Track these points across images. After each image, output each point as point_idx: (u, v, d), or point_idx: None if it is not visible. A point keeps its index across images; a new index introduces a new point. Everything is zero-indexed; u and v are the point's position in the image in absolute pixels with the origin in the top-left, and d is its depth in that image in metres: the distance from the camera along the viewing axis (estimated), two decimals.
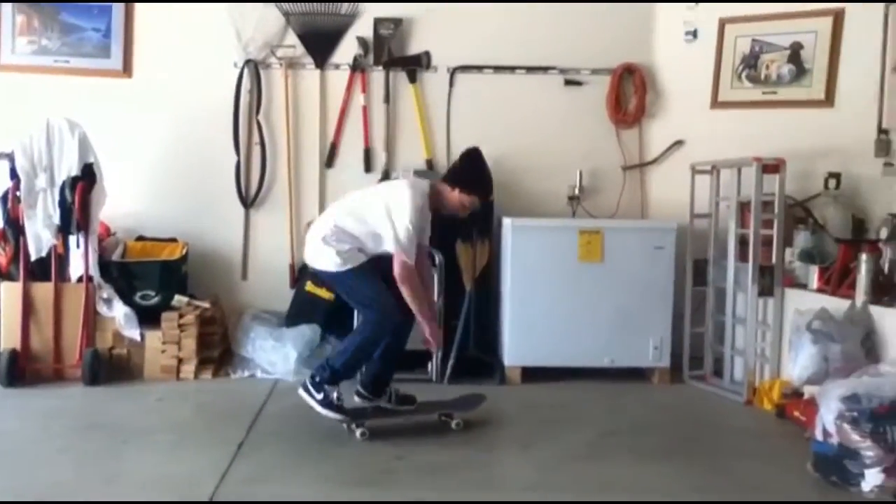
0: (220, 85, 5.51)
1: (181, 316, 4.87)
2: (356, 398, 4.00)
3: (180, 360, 4.85)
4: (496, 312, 5.22)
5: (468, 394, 4.25)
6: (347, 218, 3.83)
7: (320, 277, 4.04)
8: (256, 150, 5.57)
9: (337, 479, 3.31)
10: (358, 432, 3.80)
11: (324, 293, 5.08)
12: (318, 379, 3.82)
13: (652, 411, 4.49)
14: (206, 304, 5.10)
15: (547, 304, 4.95)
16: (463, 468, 3.48)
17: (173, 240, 5.27)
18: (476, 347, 5.04)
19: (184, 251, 5.19)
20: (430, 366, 4.91)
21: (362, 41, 5.57)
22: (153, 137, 5.52)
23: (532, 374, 4.92)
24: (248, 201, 5.58)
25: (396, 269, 3.69)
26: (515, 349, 4.97)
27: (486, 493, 3.22)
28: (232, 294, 5.54)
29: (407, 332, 3.93)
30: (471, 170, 3.92)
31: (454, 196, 3.85)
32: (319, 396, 3.79)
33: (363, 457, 3.58)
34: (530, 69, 5.65)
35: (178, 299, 5.00)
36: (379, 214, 3.75)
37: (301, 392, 3.86)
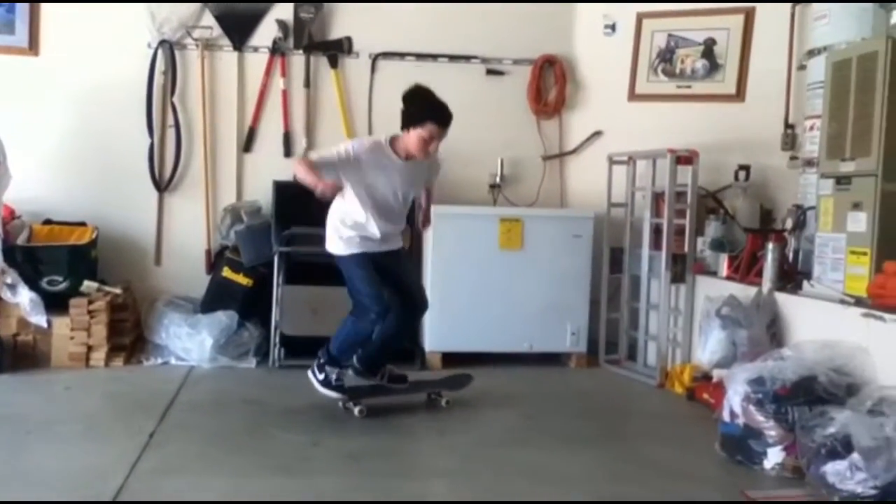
0: (133, 65, 5.33)
1: (91, 302, 4.72)
2: (351, 372, 4.06)
3: (90, 348, 4.70)
4: None
5: (457, 373, 4.37)
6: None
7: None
8: (171, 132, 5.41)
9: (252, 467, 3.25)
10: (356, 410, 3.91)
11: (241, 279, 5.00)
12: (322, 360, 3.95)
13: (569, 395, 4.58)
14: (118, 290, 4.95)
15: (468, 291, 4.98)
16: (380, 454, 3.47)
17: (82, 224, 5.10)
18: None
19: (93, 235, 5.03)
20: None
21: (282, 24, 5.48)
22: (61, 118, 5.31)
23: (452, 360, 4.94)
24: (162, 185, 5.43)
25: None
26: (436, 335, 4.99)
27: (403, 479, 3.21)
28: (145, 280, 5.39)
29: (406, 324, 4.08)
30: (411, 105, 3.79)
31: (410, 137, 3.75)
32: (321, 377, 3.94)
33: (279, 444, 3.52)
34: (453, 58, 5.66)
35: (88, 285, 4.84)
36: None
37: (309, 373, 3.98)
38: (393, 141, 3.85)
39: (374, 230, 3.83)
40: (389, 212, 3.88)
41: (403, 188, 3.90)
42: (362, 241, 3.84)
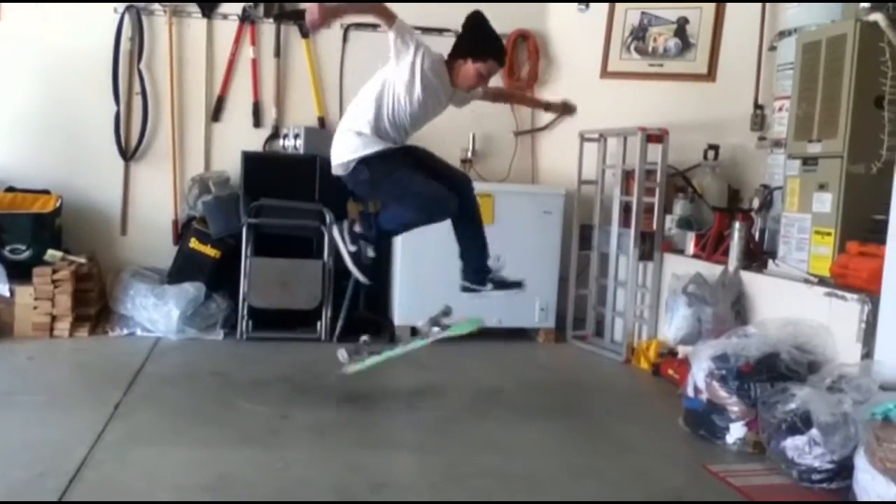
0: (99, 30, 5.21)
1: (55, 271, 4.64)
2: (463, 292, 3.95)
3: (54, 318, 4.64)
4: (386, 272, 5.21)
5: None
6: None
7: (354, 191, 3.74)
8: (138, 100, 5.32)
9: (219, 439, 3.24)
10: (361, 339, 3.88)
11: (209, 250, 4.95)
12: (361, 231, 3.67)
13: (536, 370, 4.63)
14: (83, 260, 4.87)
15: (437, 264, 4.94)
16: (347, 427, 3.47)
17: (46, 192, 4.99)
18: (366, 307, 5.03)
19: (57, 204, 4.94)
20: (318, 325, 4.87)
21: None
22: (25, 83, 5.19)
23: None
24: (129, 153, 5.33)
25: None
26: (405, 308, 4.99)
27: (370, 452, 3.22)
28: (110, 250, 5.31)
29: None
30: (477, 34, 3.56)
31: (467, 69, 3.53)
32: (352, 249, 3.66)
33: (247, 417, 3.51)
34: (426, 30, 5.55)
35: (52, 254, 4.76)
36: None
37: (335, 234, 3.73)
38: (448, 62, 3.57)
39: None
40: (409, 131, 3.65)
41: (436, 113, 3.69)
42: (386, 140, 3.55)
